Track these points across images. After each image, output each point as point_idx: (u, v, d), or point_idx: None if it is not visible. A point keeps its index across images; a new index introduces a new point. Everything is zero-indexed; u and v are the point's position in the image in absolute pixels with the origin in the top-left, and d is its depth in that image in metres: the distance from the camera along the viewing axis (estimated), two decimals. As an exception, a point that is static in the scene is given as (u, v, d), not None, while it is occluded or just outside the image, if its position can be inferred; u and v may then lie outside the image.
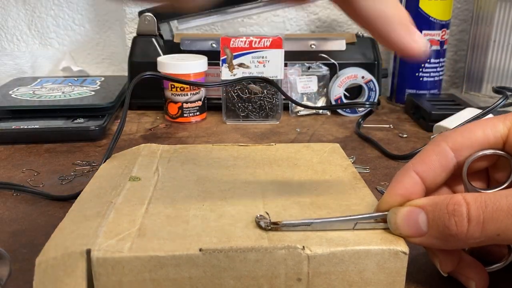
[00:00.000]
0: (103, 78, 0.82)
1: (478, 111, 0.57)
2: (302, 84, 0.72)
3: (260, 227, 0.30)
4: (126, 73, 0.77)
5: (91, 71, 0.93)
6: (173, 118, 0.69)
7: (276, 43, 0.66)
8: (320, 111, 0.72)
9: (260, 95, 0.69)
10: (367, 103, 0.68)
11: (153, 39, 0.73)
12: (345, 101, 0.73)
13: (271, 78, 0.67)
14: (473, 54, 0.79)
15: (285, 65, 0.71)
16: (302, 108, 0.72)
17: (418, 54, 0.26)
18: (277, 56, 0.67)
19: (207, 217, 0.31)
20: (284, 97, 0.67)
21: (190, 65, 0.67)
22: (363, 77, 0.72)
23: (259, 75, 0.67)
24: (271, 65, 0.67)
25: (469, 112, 0.59)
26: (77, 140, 0.61)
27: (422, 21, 0.73)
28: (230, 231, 0.30)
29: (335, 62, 0.72)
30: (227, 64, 0.67)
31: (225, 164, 0.41)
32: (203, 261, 0.28)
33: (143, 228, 0.30)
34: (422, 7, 0.73)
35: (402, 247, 0.29)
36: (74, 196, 0.42)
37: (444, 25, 0.74)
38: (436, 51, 0.75)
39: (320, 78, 0.73)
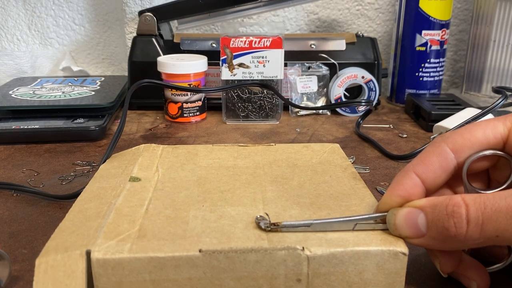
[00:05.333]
0: (103, 78, 0.82)
1: (478, 111, 0.57)
2: (302, 84, 0.72)
3: (260, 228, 0.30)
4: (126, 73, 0.78)
5: (91, 71, 0.93)
6: (173, 118, 0.69)
7: (276, 43, 0.66)
8: (320, 111, 0.72)
9: (260, 95, 0.69)
10: (363, 101, 0.68)
11: (153, 39, 0.74)
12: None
13: (271, 78, 0.68)
14: (473, 54, 0.79)
15: (285, 65, 0.71)
16: (302, 108, 0.72)
17: None
18: (277, 56, 0.67)
19: (207, 217, 0.31)
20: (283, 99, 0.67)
21: (190, 65, 0.67)
22: (363, 77, 0.72)
23: (259, 75, 0.67)
24: (271, 65, 0.67)
25: (469, 112, 0.59)
26: (77, 140, 0.61)
27: (422, 21, 0.74)
28: (230, 232, 0.30)
29: (335, 62, 0.72)
30: (227, 64, 0.67)
31: (225, 164, 0.41)
32: (203, 262, 0.28)
33: (143, 229, 0.30)
34: (422, 7, 0.73)
35: (402, 248, 0.29)
36: (74, 196, 0.42)
37: (444, 25, 0.74)
38: (436, 51, 0.75)
39: (320, 78, 0.73)
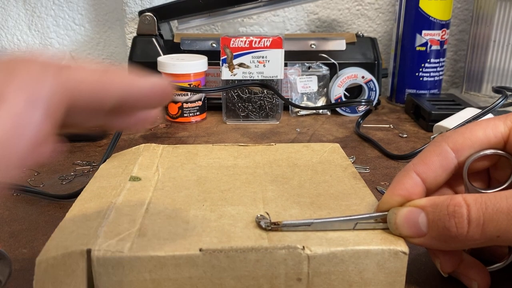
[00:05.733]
0: (103, 78, 0.81)
1: (478, 111, 0.57)
2: (302, 84, 0.72)
3: (260, 227, 0.30)
4: (126, 73, 0.77)
5: (91, 71, 0.93)
6: (173, 118, 0.69)
7: (276, 43, 0.66)
8: (320, 111, 0.72)
9: (260, 95, 0.69)
10: (363, 100, 0.68)
11: (153, 39, 0.73)
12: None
13: (271, 78, 0.68)
14: (473, 54, 0.79)
15: (285, 65, 0.71)
16: (302, 108, 0.72)
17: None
18: (277, 56, 0.67)
19: (207, 217, 0.31)
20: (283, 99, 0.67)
21: (190, 65, 0.67)
22: (363, 77, 0.72)
23: (259, 75, 0.67)
24: (271, 65, 0.67)
25: (469, 112, 0.59)
26: (77, 140, 0.61)
27: (422, 21, 0.73)
28: (230, 231, 0.30)
29: (335, 62, 0.72)
30: (227, 64, 0.67)
31: (225, 164, 0.41)
32: (203, 261, 0.28)
33: (143, 228, 0.30)
34: (422, 7, 0.73)
35: (402, 247, 0.29)
36: (74, 196, 0.42)
37: (444, 25, 0.74)
38: (436, 51, 0.75)
39: (320, 78, 0.73)
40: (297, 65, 0.72)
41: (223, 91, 0.67)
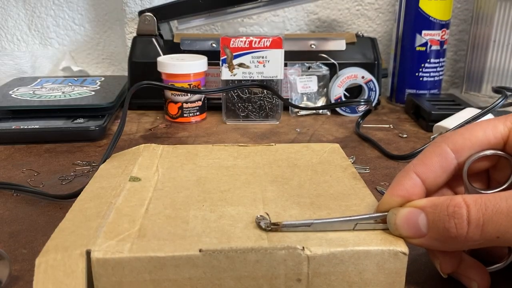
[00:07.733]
0: (103, 78, 0.81)
1: (478, 111, 0.57)
2: (302, 84, 0.72)
3: (260, 227, 0.30)
4: (126, 73, 0.78)
5: (91, 71, 0.93)
6: (173, 118, 0.69)
7: (276, 43, 0.66)
8: (320, 111, 0.72)
9: (260, 95, 0.69)
10: (363, 100, 0.68)
11: (153, 39, 0.73)
12: (345, 101, 0.72)
13: (271, 78, 0.68)
14: (473, 54, 0.79)
15: (285, 65, 0.71)
16: (302, 108, 0.72)
17: None
18: (277, 56, 0.67)
19: (207, 217, 0.31)
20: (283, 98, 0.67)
21: (190, 65, 0.67)
22: (363, 77, 0.72)
23: (259, 75, 0.67)
24: (271, 65, 0.67)
25: (469, 112, 0.59)
26: (77, 140, 0.61)
27: (422, 21, 0.73)
28: (230, 231, 0.30)
29: (335, 62, 0.72)
30: (227, 64, 0.67)
31: (225, 164, 0.41)
32: (203, 261, 0.28)
33: (143, 228, 0.30)
34: (422, 7, 0.73)
35: (402, 247, 0.29)
36: (74, 196, 0.42)
37: (444, 25, 0.74)
38: (436, 51, 0.75)
39: (320, 78, 0.73)
40: (297, 65, 0.72)
41: (222, 92, 0.67)
